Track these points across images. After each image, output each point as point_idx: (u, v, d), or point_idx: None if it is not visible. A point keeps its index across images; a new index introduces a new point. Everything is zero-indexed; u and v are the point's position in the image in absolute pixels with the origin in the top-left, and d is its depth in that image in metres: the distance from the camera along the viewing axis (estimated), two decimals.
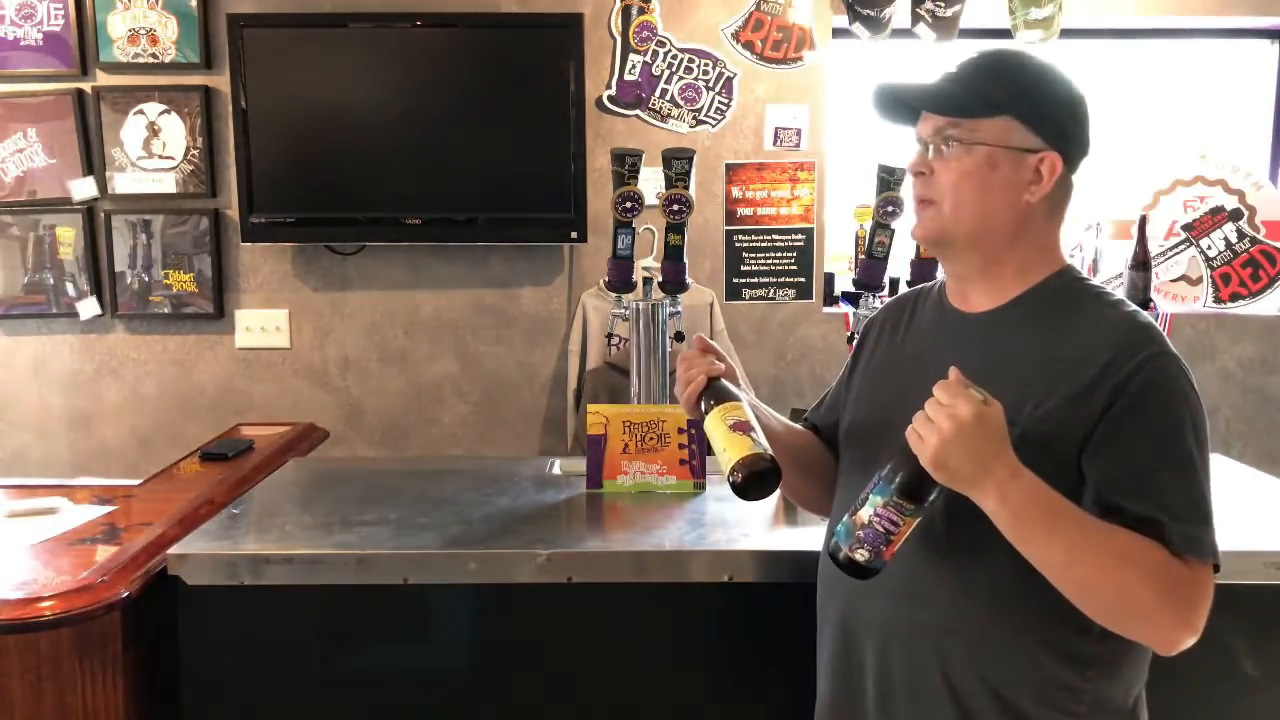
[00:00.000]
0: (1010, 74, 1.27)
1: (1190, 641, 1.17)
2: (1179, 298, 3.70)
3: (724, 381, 1.39)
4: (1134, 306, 1.27)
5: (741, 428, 1.32)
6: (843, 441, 1.48)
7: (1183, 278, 3.72)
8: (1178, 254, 3.71)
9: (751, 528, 1.91)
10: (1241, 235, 3.66)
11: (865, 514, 1.19)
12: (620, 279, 2.19)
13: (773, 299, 3.61)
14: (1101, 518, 1.17)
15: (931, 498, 1.18)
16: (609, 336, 3.32)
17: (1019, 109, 1.24)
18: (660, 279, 2.22)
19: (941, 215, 1.28)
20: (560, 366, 3.55)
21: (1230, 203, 3.67)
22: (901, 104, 1.32)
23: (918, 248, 2.26)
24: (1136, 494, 1.17)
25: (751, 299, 3.61)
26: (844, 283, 3.66)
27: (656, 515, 1.98)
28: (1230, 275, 3.69)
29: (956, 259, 1.33)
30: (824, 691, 1.46)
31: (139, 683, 1.74)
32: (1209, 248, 3.69)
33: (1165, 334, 1.23)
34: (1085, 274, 1.33)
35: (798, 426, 1.58)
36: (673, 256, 2.19)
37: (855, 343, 1.55)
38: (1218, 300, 3.69)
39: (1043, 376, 1.22)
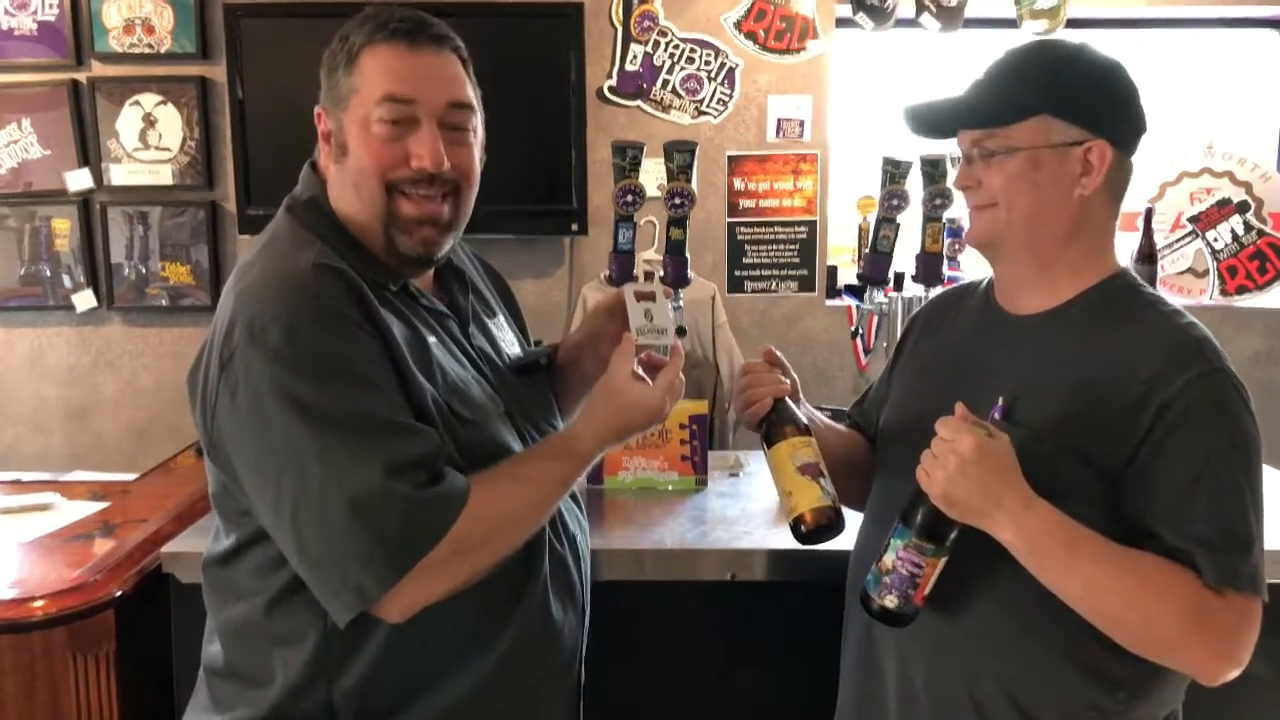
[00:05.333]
0: (1036, 70, 1.22)
1: (1232, 674, 1.13)
2: (1185, 290, 3.67)
3: (789, 403, 1.33)
4: (1190, 318, 1.20)
5: (810, 471, 1.27)
6: (879, 442, 1.45)
7: (1189, 270, 3.69)
8: (1184, 246, 3.68)
9: (754, 525, 1.88)
10: (1248, 227, 3.63)
11: (889, 559, 1.18)
12: (621, 273, 2.16)
13: (775, 292, 3.58)
14: (1135, 544, 1.13)
15: (952, 536, 1.16)
16: None
17: (1051, 105, 1.19)
18: (662, 273, 2.19)
19: (998, 218, 1.23)
20: None
21: (1237, 195, 3.63)
22: (935, 122, 1.29)
23: (923, 241, 2.23)
24: (1172, 522, 1.12)
25: (753, 292, 3.58)
26: (847, 275, 3.64)
27: (658, 512, 1.95)
28: (1236, 268, 3.66)
29: (1009, 261, 1.28)
30: (845, 694, 1.43)
31: (133, 680, 1.72)
32: (1215, 240, 3.65)
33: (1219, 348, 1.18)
34: (1140, 280, 1.27)
35: (843, 428, 1.53)
36: (675, 251, 2.16)
37: (898, 339, 1.52)
38: (1224, 293, 3.66)
39: (1087, 388, 1.17)
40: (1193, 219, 3.66)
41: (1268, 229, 3.63)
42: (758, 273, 3.57)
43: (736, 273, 3.56)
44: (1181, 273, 3.69)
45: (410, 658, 1.17)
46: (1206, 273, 3.67)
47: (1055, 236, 1.23)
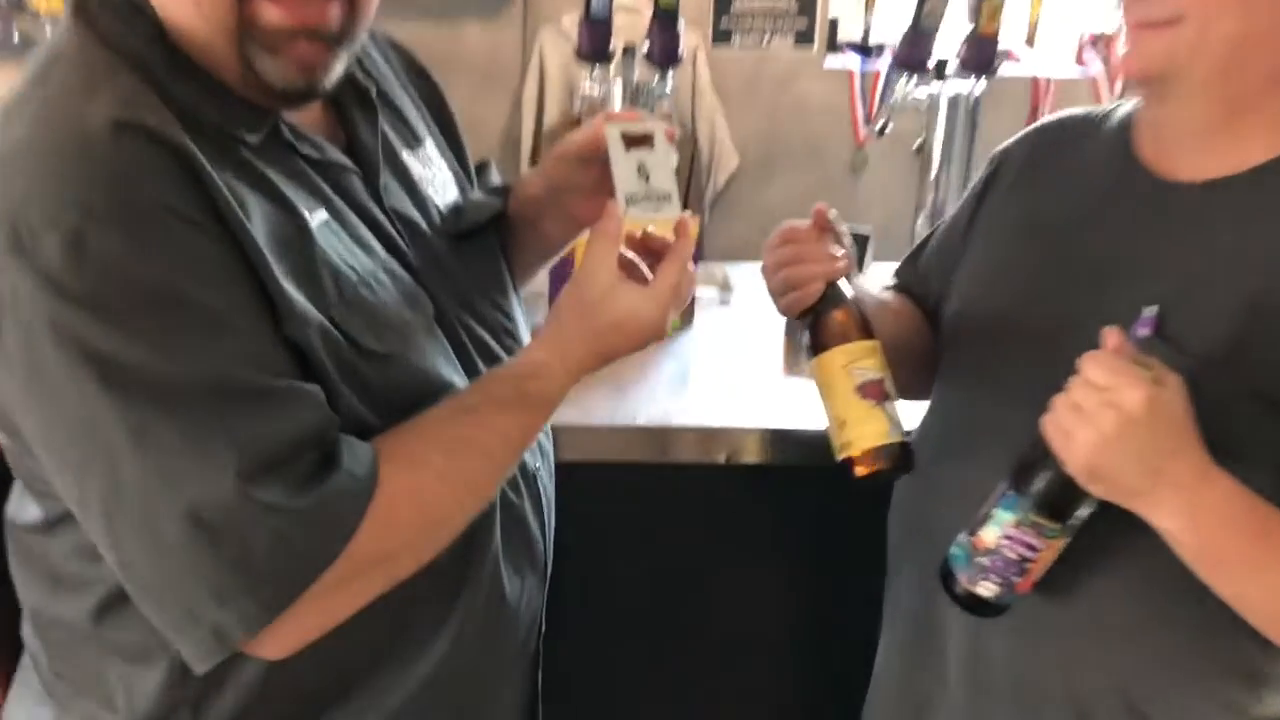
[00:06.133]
0: None
1: None
2: None
3: (845, 289, 0.98)
4: None
5: (874, 393, 0.95)
6: (947, 331, 1.09)
7: None
8: None
9: (750, 388, 1.56)
10: None
11: (990, 536, 0.88)
12: (594, 47, 1.70)
13: (767, 47, 3.07)
14: None
15: (1085, 514, 0.86)
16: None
17: None
18: (646, 50, 1.74)
19: (1182, 40, 0.85)
20: (512, 123, 3.04)
21: None
22: None
23: (977, 20, 1.77)
24: None
25: (742, 47, 3.06)
26: (850, 30, 3.13)
27: (634, 367, 1.61)
28: None
29: (1186, 103, 0.90)
30: (887, 663, 1.16)
31: None
32: None
33: None
34: None
35: (892, 300, 1.17)
36: (665, 21, 1.71)
37: (979, 180, 1.12)
38: None
39: (1272, 297, 0.85)
40: None
41: None
42: (749, 22, 3.03)
43: (723, 23, 3.03)
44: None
45: (308, 680, 0.84)
46: None
47: (1261, 74, 0.87)
